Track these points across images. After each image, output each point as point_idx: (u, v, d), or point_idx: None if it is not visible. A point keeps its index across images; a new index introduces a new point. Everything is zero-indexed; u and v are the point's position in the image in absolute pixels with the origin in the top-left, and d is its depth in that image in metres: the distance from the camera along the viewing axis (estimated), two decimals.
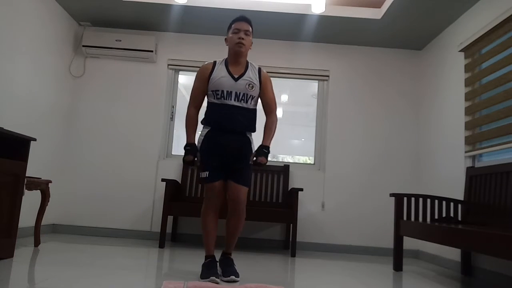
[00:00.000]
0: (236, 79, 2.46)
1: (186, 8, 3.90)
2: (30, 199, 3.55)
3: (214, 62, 2.55)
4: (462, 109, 3.51)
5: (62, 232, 4.17)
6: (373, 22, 3.91)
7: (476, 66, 3.39)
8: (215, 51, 4.46)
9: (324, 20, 3.95)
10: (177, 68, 4.50)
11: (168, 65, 4.46)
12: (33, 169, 3.68)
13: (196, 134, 2.57)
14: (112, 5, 3.93)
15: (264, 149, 2.47)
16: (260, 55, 4.47)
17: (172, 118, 4.48)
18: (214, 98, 2.48)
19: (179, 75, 4.59)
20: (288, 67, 4.48)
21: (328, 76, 4.48)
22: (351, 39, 4.36)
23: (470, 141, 3.37)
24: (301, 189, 3.66)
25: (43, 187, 3.13)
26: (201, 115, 2.58)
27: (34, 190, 3.32)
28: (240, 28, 2.47)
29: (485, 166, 3.05)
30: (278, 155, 4.53)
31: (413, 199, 3.22)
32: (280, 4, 3.83)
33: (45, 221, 3.94)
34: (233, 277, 2.31)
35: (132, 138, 4.36)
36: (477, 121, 3.30)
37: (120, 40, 4.27)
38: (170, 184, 3.62)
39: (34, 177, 3.09)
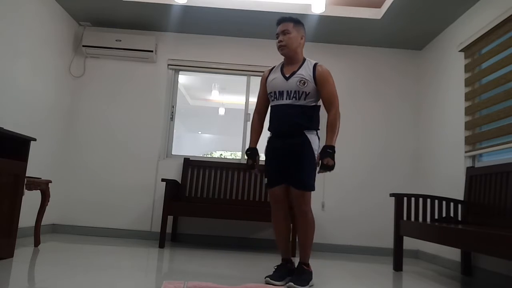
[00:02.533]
0: (287, 78, 2.43)
1: (186, 8, 3.90)
2: (30, 199, 3.55)
3: (274, 67, 2.58)
4: (462, 109, 3.51)
5: (62, 232, 4.17)
6: (373, 22, 3.91)
7: (476, 66, 3.39)
8: (215, 51, 4.46)
9: (324, 20, 3.95)
10: (177, 68, 4.50)
11: (168, 65, 4.46)
12: (33, 169, 3.68)
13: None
14: (112, 5, 3.93)
15: (328, 149, 2.33)
16: (260, 55, 4.47)
17: (172, 118, 4.48)
18: (271, 101, 2.51)
19: (179, 75, 4.59)
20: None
21: None
22: (351, 39, 4.36)
23: (470, 141, 3.37)
24: None
25: (43, 187, 3.13)
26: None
27: (34, 190, 3.32)
28: (278, 31, 2.47)
29: (485, 166, 3.05)
30: None
31: (413, 199, 3.22)
32: (280, 4, 3.83)
33: (45, 221, 3.94)
34: (291, 284, 2.21)
35: (132, 138, 4.36)
36: (477, 121, 3.30)
37: (120, 40, 4.27)
38: (170, 184, 3.62)
39: (34, 177, 3.09)
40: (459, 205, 3.27)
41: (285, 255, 2.51)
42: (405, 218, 3.20)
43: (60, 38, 4.10)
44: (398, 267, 3.17)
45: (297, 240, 2.48)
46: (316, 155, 2.39)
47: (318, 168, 2.37)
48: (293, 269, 2.45)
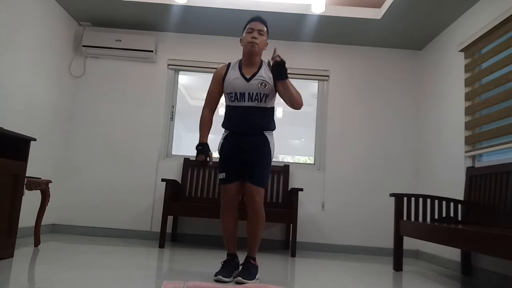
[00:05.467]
0: (248, 80, 2.45)
1: (186, 8, 3.90)
2: (30, 199, 3.55)
3: (229, 64, 2.57)
4: (462, 109, 3.51)
5: (62, 232, 4.17)
6: (373, 22, 3.91)
7: (476, 66, 3.39)
8: (215, 51, 4.46)
9: (324, 20, 3.95)
10: (177, 68, 4.50)
11: (168, 65, 4.46)
12: (33, 169, 3.68)
13: (214, 137, 2.60)
14: (112, 5, 3.93)
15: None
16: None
17: (172, 118, 4.48)
18: (229, 101, 2.51)
19: (179, 75, 4.58)
20: (288, 67, 4.41)
21: (328, 76, 4.48)
22: (351, 39, 4.36)
23: (470, 141, 3.37)
24: (301, 189, 3.66)
25: (43, 187, 3.13)
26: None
27: (34, 190, 3.32)
28: (254, 27, 2.47)
29: (485, 166, 3.05)
30: (278, 155, 4.52)
31: (413, 199, 3.22)
32: (280, 4, 3.83)
33: (45, 221, 3.94)
34: (239, 278, 2.27)
35: (132, 138, 4.36)
36: (477, 121, 3.30)
37: (120, 40, 4.27)
38: (170, 184, 3.62)
39: (34, 177, 3.09)
40: (459, 205, 3.27)
41: (232, 251, 2.56)
42: (405, 218, 3.20)
43: (60, 38, 4.10)
44: (398, 267, 3.17)
45: (247, 235, 2.51)
46: (272, 153, 2.50)
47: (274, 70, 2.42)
48: (238, 263, 2.53)
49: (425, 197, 3.20)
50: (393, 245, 3.40)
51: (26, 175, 3.34)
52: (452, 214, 3.21)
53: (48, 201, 3.21)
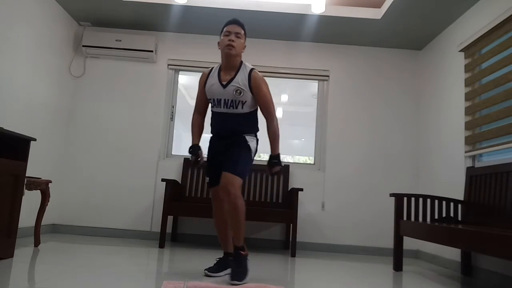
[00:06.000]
0: (224, 86, 2.45)
1: (186, 8, 3.90)
2: (30, 199, 3.55)
3: (212, 69, 2.57)
4: (462, 109, 3.51)
5: (62, 232, 4.18)
6: (373, 22, 3.91)
7: (476, 66, 3.39)
8: (215, 51, 4.46)
9: (324, 20, 3.95)
10: (177, 68, 4.50)
11: (168, 65, 4.46)
12: (33, 169, 3.68)
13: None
14: (112, 5, 3.93)
15: (273, 160, 2.47)
16: (260, 55, 4.47)
17: (172, 118, 4.48)
18: (211, 106, 2.56)
19: (179, 75, 4.59)
20: (288, 67, 4.48)
21: (328, 76, 4.49)
22: (351, 39, 4.36)
23: (470, 141, 3.37)
24: (301, 189, 3.66)
25: (43, 187, 3.13)
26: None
27: (34, 190, 3.32)
28: (231, 30, 2.44)
29: (485, 166, 3.05)
30: None
31: (413, 199, 3.22)
32: (280, 4, 3.83)
33: (45, 221, 3.94)
34: (235, 281, 2.25)
35: (132, 138, 4.36)
36: (477, 121, 3.30)
37: (120, 40, 4.27)
38: (170, 184, 3.62)
39: (34, 177, 3.09)
40: (459, 205, 3.27)
41: (227, 249, 2.57)
42: (405, 218, 3.20)
43: (60, 38, 4.10)
44: (398, 267, 3.17)
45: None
46: (252, 151, 2.50)
47: (267, 171, 2.50)
48: (226, 259, 2.55)
49: (425, 197, 3.20)
50: (393, 245, 3.40)
51: (26, 175, 3.34)
52: (452, 214, 3.21)
53: (48, 201, 3.21)
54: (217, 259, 2.55)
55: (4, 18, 3.20)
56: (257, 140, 2.59)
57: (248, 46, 4.46)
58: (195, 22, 4.20)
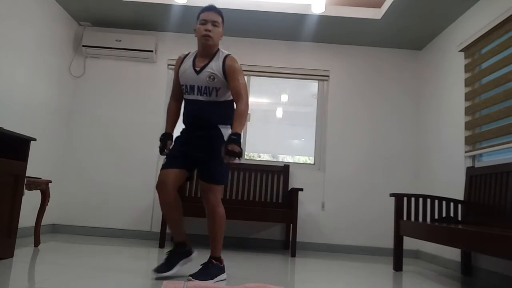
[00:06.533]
0: (198, 72, 2.33)
1: (186, 8, 3.90)
2: (30, 199, 3.55)
3: (187, 54, 2.45)
4: (462, 109, 3.51)
5: (62, 232, 4.17)
6: (373, 22, 3.91)
7: (476, 66, 3.39)
8: None
9: (324, 20, 3.95)
10: None
11: (168, 65, 4.46)
12: (33, 169, 3.68)
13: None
14: (112, 5, 3.93)
15: (232, 136, 2.22)
16: (260, 55, 4.47)
17: None
18: (184, 93, 2.43)
19: None
20: (288, 67, 4.48)
21: (328, 76, 4.49)
22: (351, 39, 4.36)
23: (470, 141, 3.37)
24: (301, 189, 3.66)
25: (43, 187, 3.13)
26: None
27: (34, 190, 3.32)
28: (207, 18, 2.32)
29: (485, 166, 3.05)
30: (278, 155, 4.52)
31: (413, 199, 3.22)
32: (280, 4, 3.83)
33: (45, 221, 3.94)
34: (190, 277, 2.20)
35: (132, 138, 4.36)
36: (477, 121, 3.30)
37: (120, 40, 4.27)
38: None
39: (34, 177, 3.09)
40: (459, 205, 3.27)
41: (177, 238, 2.42)
42: (405, 218, 3.20)
43: (60, 38, 4.10)
44: (398, 267, 3.17)
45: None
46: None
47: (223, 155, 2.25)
48: (187, 252, 2.41)
49: (425, 197, 3.20)
50: (393, 245, 3.40)
51: (26, 175, 3.34)
52: (452, 214, 3.21)
53: (48, 201, 3.21)
54: (167, 253, 2.37)
55: (4, 18, 3.20)
56: None
57: (248, 46, 4.49)
58: (195, 22, 4.19)
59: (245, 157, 4.44)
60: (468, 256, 3.16)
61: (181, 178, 2.36)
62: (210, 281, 2.23)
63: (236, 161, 2.21)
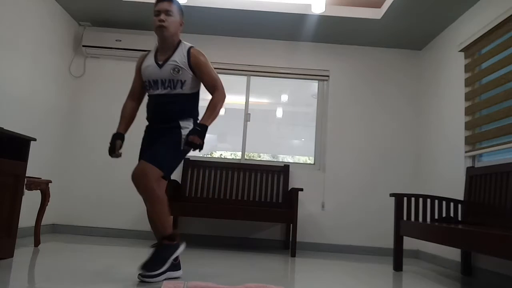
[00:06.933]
0: (161, 66, 2.25)
1: (186, 8, 3.90)
2: (30, 199, 3.55)
3: (149, 52, 2.39)
4: (462, 109, 3.51)
5: (62, 232, 4.18)
6: (373, 22, 3.91)
7: (476, 66, 3.39)
8: (215, 51, 4.46)
9: (324, 20, 3.95)
10: None
11: None
12: (33, 169, 3.68)
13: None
14: (112, 5, 3.93)
15: (197, 127, 2.15)
16: (260, 55, 4.47)
17: None
18: (146, 90, 2.37)
19: None
20: (288, 67, 4.48)
21: (328, 76, 4.49)
22: (351, 39, 4.36)
23: (470, 141, 3.37)
24: (301, 189, 3.66)
25: (43, 187, 3.13)
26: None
27: (34, 190, 3.32)
28: (160, 9, 2.23)
29: (485, 166, 3.05)
30: (278, 155, 4.52)
31: (413, 199, 3.23)
32: (280, 4, 3.83)
33: (45, 221, 3.94)
34: (144, 271, 2.06)
35: (132, 138, 4.35)
36: (477, 121, 3.30)
37: (120, 40, 4.27)
38: (170, 184, 3.62)
39: (34, 177, 3.09)
40: (459, 205, 3.27)
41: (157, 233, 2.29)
42: (405, 218, 3.20)
43: (60, 38, 4.10)
44: (398, 267, 3.17)
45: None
46: (183, 142, 2.21)
47: (183, 145, 2.18)
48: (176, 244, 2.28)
49: (425, 197, 3.20)
50: (393, 245, 3.40)
51: (26, 175, 3.34)
52: (452, 214, 3.21)
53: (48, 201, 3.21)
54: (152, 247, 2.24)
55: (4, 18, 3.20)
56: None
57: (248, 46, 4.49)
58: (195, 22, 4.20)
59: (245, 157, 4.44)
60: (468, 256, 3.16)
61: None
62: (161, 274, 2.09)
63: (192, 152, 2.10)
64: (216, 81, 2.27)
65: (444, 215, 3.25)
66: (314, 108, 4.54)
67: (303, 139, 4.59)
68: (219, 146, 4.59)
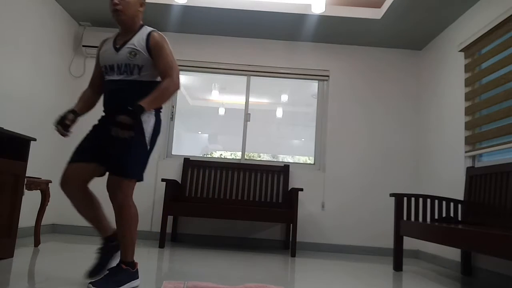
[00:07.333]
0: (118, 49, 2.08)
1: (186, 8, 3.90)
2: (30, 199, 3.55)
3: (110, 37, 2.25)
4: (462, 109, 3.51)
5: (62, 232, 4.17)
6: (373, 22, 3.91)
7: (476, 66, 3.39)
8: (215, 51, 4.46)
9: (324, 20, 3.95)
10: None
11: None
12: (33, 169, 3.68)
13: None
14: None
15: (129, 107, 1.91)
16: (260, 55, 4.47)
17: (172, 118, 4.47)
18: (104, 76, 2.15)
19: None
20: (288, 67, 4.48)
21: (328, 76, 4.49)
22: (351, 39, 4.36)
23: (470, 141, 3.37)
24: (301, 189, 3.66)
25: (43, 187, 3.13)
26: None
27: (34, 190, 3.32)
28: None
29: (485, 166, 3.05)
30: (278, 155, 4.53)
31: (413, 199, 3.22)
32: (280, 4, 3.83)
33: (45, 221, 3.94)
34: (89, 284, 1.83)
35: None
36: (477, 121, 3.30)
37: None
38: (170, 184, 3.62)
39: (34, 177, 3.09)
40: (459, 205, 3.27)
41: (103, 234, 2.17)
42: (405, 218, 3.20)
43: (60, 38, 4.10)
44: (398, 267, 3.17)
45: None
46: (147, 136, 2.01)
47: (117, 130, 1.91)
48: (117, 245, 2.13)
49: (425, 197, 3.20)
50: (393, 245, 3.40)
51: (26, 175, 3.34)
52: (452, 214, 3.21)
53: (48, 201, 3.21)
54: (97, 251, 2.10)
55: (4, 18, 3.20)
56: (159, 119, 2.11)
57: (248, 46, 4.49)
58: (195, 22, 4.20)
59: (245, 157, 4.44)
60: (468, 256, 3.16)
61: (91, 173, 2.07)
62: None
63: (126, 134, 1.88)
64: (171, 69, 2.04)
65: (444, 215, 3.25)
66: (314, 108, 4.54)
67: (303, 139, 4.59)
68: (219, 146, 4.59)
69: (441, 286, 2.65)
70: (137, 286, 2.02)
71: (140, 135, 1.97)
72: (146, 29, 2.12)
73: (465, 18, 3.59)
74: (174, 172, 4.28)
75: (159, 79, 2.10)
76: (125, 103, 1.95)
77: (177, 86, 2.05)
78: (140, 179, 2.03)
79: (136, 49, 2.05)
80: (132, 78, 2.05)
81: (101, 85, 2.21)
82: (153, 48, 2.05)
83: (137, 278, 2.03)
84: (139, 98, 1.96)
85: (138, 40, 2.07)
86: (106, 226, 2.18)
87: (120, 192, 1.96)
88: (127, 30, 2.13)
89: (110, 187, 1.97)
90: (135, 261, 2.04)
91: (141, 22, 2.17)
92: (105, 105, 2.13)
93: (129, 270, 1.98)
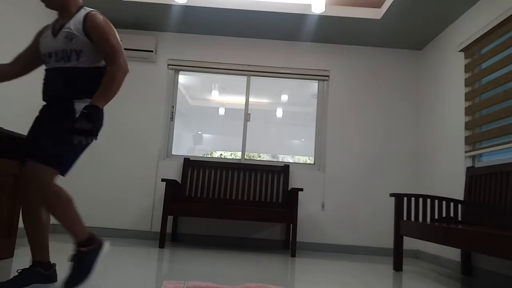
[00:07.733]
0: (55, 34, 1.91)
1: (186, 8, 3.90)
2: None
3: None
4: (462, 109, 3.51)
5: (62, 232, 4.17)
6: (373, 22, 3.91)
7: (476, 66, 3.39)
8: (215, 51, 4.47)
9: (324, 20, 3.95)
10: (177, 68, 4.50)
11: (168, 65, 4.46)
12: None
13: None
14: (112, 5, 3.93)
15: (84, 109, 1.76)
16: (260, 55, 4.47)
17: (172, 118, 4.48)
18: (45, 65, 2.00)
19: (179, 75, 4.59)
20: (288, 67, 4.48)
21: (328, 76, 4.49)
22: (351, 39, 4.36)
23: (470, 141, 3.37)
24: (301, 189, 3.66)
25: None
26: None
27: None
28: None
29: (485, 166, 3.05)
30: (278, 155, 4.53)
31: (413, 199, 3.23)
32: (280, 4, 3.83)
33: None
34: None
35: (132, 138, 4.36)
36: (477, 121, 3.30)
37: (120, 40, 4.26)
38: (170, 184, 3.62)
39: None
40: (459, 205, 3.27)
41: (35, 256, 1.93)
42: (405, 218, 3.20)
43: None
44: (398, 267, 3.17)
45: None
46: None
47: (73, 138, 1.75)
48: (48, 275, 1.94)
49: (425, 197, 3.20)
50: (393, 245, 3.40)
51: None
52: (452, 214, 3.21)
53: None
54: (18, 271, 1.86)
55: (4, 18, 3.20)
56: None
57: (248, 46, 4.49)
58: (195, 22, 4.20)
59: (245, 157, 4.44)
60: (468, 256, 3.16)
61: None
62: (88, 277, 1.81)
63: (89, 141, 1.76)
64: (115, 51, 1.87)
65: (444, 215, 3.25)
66: (314, 108, 4.54)
67: (303, 139, 4.59)
68: (219, 146, 4.59)
69: (441, 286, 2.65)
70: (106, 248, 1.91)
71: (69, 124, 1.78)
72: (85, 10, 1.95)
73: (465, 18, 3.59)
74: (174, 172, 4.28)
75: (102, 63, 1.96)
76: (64, 94, 1.86)
77: (125, 70, 1.88)
78: (59, 167, 1.78)
79: (72, 33, 1.87)
80: (70, 65, 1.88)
81: (25, 63, 2.04)
82: (92, 31, 1.88)
83: (101, 247, 1.87)
84: (79, 88, 1.87)
85: (75, 22, 1.90)
86: (43, 248, 1.95)
87: (36, 180, 1.71)
88: (63, 14, 1.95)
89: (25, 174, 1.74)
90: (87, 233, 1.85)
91: (80, 4, 2.00)
92: (43, 95, 1.95)
93: (90, 247, 1.83)
